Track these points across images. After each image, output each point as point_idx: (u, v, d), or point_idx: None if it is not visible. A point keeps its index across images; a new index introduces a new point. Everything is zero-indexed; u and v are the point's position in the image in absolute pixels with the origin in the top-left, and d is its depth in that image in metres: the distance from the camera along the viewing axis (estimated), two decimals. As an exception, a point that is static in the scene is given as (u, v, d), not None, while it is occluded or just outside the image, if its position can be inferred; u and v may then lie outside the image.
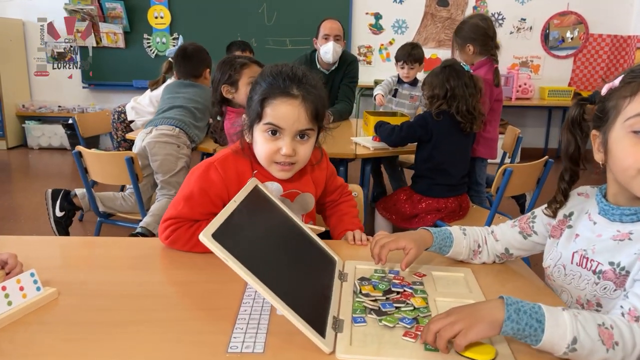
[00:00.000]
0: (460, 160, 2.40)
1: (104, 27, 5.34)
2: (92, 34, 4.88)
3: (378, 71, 5.32)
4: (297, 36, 5.33)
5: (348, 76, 3.51)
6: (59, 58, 5.58)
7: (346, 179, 2.47)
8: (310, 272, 1.00)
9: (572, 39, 5.33)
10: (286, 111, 1.12)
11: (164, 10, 5.35)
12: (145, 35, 5.42)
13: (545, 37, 5.33)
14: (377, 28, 5.41)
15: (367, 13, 5.39)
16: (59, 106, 5.56)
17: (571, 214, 1.03)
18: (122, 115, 3.24)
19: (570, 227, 1.01)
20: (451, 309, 0.80)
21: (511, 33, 5.32)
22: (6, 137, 5.40)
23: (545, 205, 1.07)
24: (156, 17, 5.37)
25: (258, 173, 1.24)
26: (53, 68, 5.38)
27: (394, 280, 1.02)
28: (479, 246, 1.14)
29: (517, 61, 5.37)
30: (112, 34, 5.39)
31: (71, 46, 5.49)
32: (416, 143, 2.40)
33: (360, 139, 2.62)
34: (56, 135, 5.50)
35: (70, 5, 5.23)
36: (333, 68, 3.48)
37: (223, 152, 1.26)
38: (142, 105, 3.11)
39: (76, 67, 5.45)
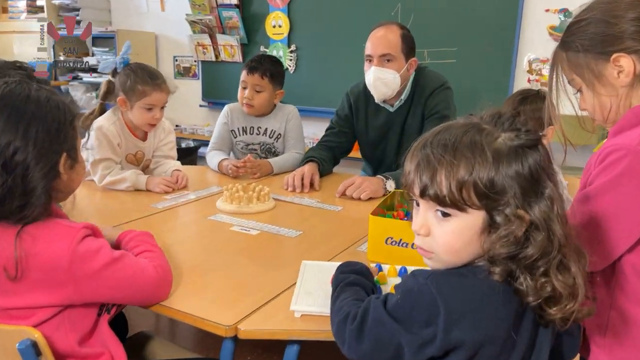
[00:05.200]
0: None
1: (221, 39, 4.75)
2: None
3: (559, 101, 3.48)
4: (438, 45, 3.87)
5: (433, 111, 2.03)
6: (184, 73, 5.23)
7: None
8: None
9: None
10: None
11: (283, 17, 4.47)
12: (262, 48, 4.63)
13: None
14: (562, 32, 3.56)
15: (547, 10, 3.58)
16: (177, 125, 5.19)
17: None
18: None
19: None
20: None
21: None
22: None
23: None
24: (274, 26, 4.54)
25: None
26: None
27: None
28: None
29: None
30: (229, 46, 4.75)
31: (195, 60, 5.07)
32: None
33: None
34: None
35: (191, 16, 4.77)
36: (399, 103, 2.06)
37: None
38: None
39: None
